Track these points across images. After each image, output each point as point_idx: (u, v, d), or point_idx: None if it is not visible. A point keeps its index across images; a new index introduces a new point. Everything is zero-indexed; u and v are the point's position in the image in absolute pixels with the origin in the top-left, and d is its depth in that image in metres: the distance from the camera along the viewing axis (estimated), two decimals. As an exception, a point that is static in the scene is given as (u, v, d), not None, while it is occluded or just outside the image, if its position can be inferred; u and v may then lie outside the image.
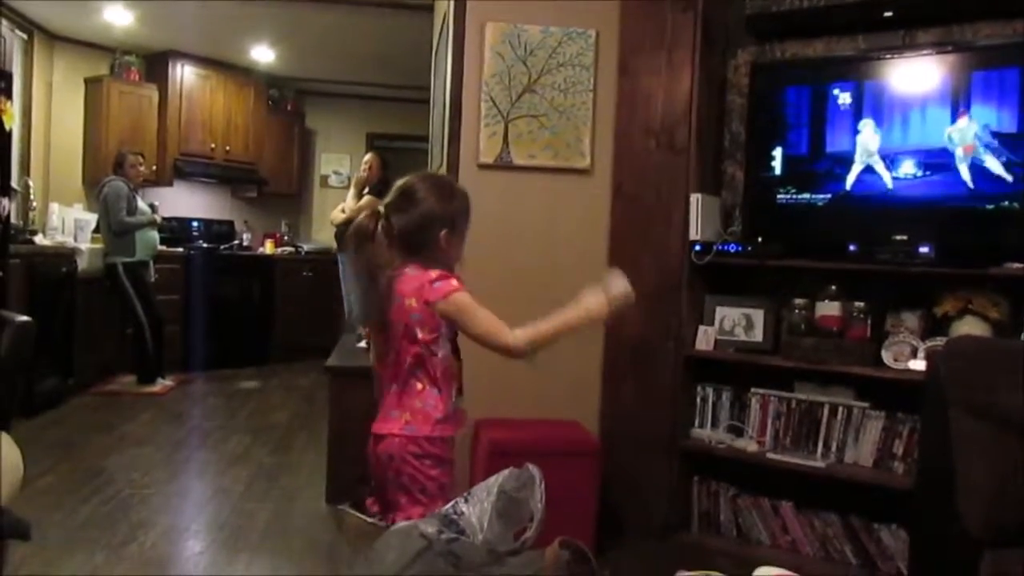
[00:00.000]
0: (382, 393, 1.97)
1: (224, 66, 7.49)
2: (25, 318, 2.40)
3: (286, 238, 8.19)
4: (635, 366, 3.25)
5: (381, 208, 1.94)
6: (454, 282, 1.86)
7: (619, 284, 1.88)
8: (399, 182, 1.99)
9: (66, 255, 5.60)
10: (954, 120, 2.74)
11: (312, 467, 4.07)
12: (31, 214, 6.08)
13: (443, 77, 3.82)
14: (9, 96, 4.58)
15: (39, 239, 5.71)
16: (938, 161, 2.78)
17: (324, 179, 8.66)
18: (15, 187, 5.34)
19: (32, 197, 6.11)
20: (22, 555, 2.69)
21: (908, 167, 2.84)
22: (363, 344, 3.98)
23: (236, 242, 7.79)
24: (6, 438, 2.22)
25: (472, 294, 1.88)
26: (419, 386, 1.90)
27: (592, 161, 3.32)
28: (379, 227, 1.91)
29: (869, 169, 2.91)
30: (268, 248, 7.78)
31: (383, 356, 1.98)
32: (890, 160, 2.87)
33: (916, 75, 2.86)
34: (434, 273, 1.86)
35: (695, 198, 3.10)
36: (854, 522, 2.89)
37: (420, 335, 1.86)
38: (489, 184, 3.27)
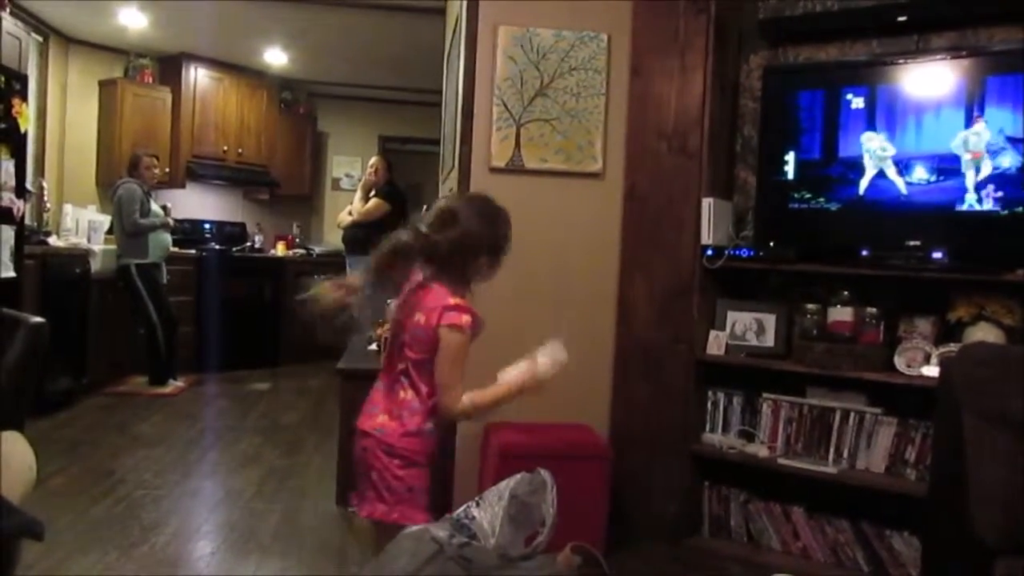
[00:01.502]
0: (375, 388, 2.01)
1: (237, 69, 7.53)
2: (39, 319, 2.41)
3: (297, 240, 8.22)
4: (646, 370, 3.24)
5: (423, 228, 1.91)
6: (465, 319, 1.85)
7: (551, 352, 1.92)
8: (441, 203, 1.98)
9: (80, 256, 5.64)
10: (968, 125, 2.73)
11: (322, 468, 4.08)
12: (45, 215, 6.13)
13: (455, 80, 3.83)
14: (24, 98, 4.61)
15: (53, 240, 5.75)
16: (952, 166, 2.77)
17: (336, 181, 8.68)
18: (30, 188, 5.36)
19: (46, 198, 6.15)
20: (34, 555, 2.70)
21: (921, 172, 2.83)
22: (374, 346, 3.99)
23: (248, 244, 7.82)
24: (20, 438, 2.23)
25: (467, 340, 1.88)
26: (402, 393, 1.92)
27: (604, 165, 3.31)
28: (417, 245, 1.89)
29: (882, 174, 2.90)
30: (280, 250, 7.80)
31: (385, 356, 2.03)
32: (903, 165, 2.86)
33: (930, 80, 2.84)
34: (453, 300, 1.86)
35: (707, 202, 3.09)
36: (866, 528, 2.88)
37: (413, 350, 1.89)
38: (501, 188, 3.24)
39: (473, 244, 1.90)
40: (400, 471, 1.87)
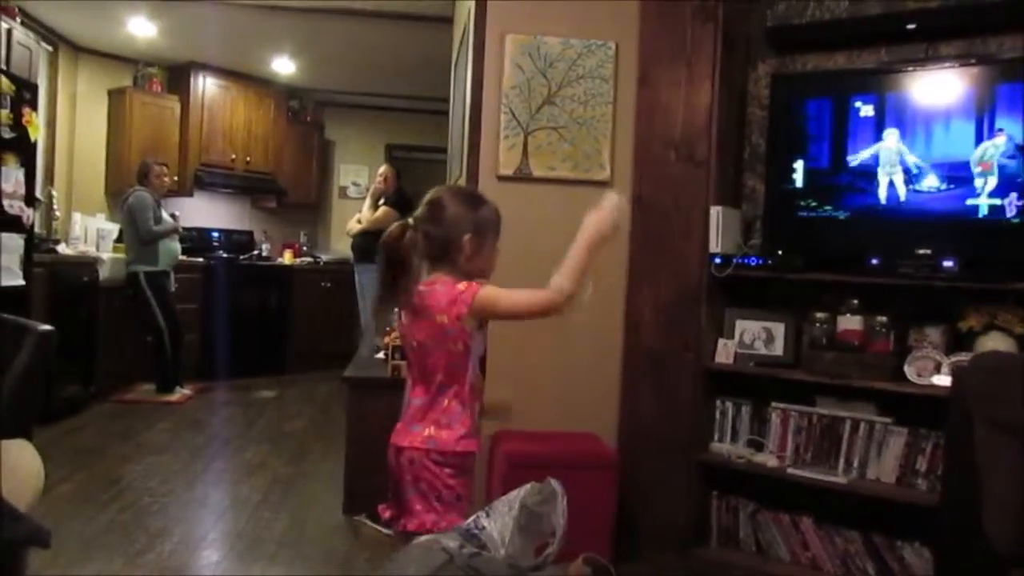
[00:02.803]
0: (407, 399, 1.98)
1: (245, 77, 7.56)
2: (47, 327, 2.42)
3: (305, 248, 8.23)
4: (654, 379, 3.23)
5: (411, 221, 1.94)
6: (474, 284, 1.88)
7: (611, 197, 1.93)
8: (428, 196, 2.00)
9: (88, 264, 5.66)
10: (979, 137, 2.71)
11: (329, 477, 4.07)
12: (54, 223, 6.16)
13: (463, 89, 3.84)
14: (34, 107, 4.64)
15: (62, 248, 5.76)
16: (962, 175, 2.75)
17: (343, 190, 8.70)
18: (39, 197, 5.39)
19: (55, 207, 6.18)
20: (41, 562, 2.70)
21: (931, 180, 2.81)
22: (380, 355, 3.99)
23: (255, 252, 7.83)
24: (27, 445, 2.24)
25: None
26: (446, 402, 1.90)
27: (612, 173, 3.31)
28: (410, 240, 1.91)
29: (891, 182, 2.88)
30: (287, 258, 7.81)
31: (409, 368, 2.00)
32: (913, 173, 2.85)
33: (939, 88, 2.83)
34: (462, 285, 1.87)
35: (715, 210, 3.08)
36: (876, 539, 2.85)
37: (452, 349, 1.87)
38: (508, 196, 3.25)
39: (455, 223, 1.93)
40: (451, 480, 1.87)
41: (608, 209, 1.89)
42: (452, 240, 1.92)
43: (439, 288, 1.89)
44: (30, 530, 1.94)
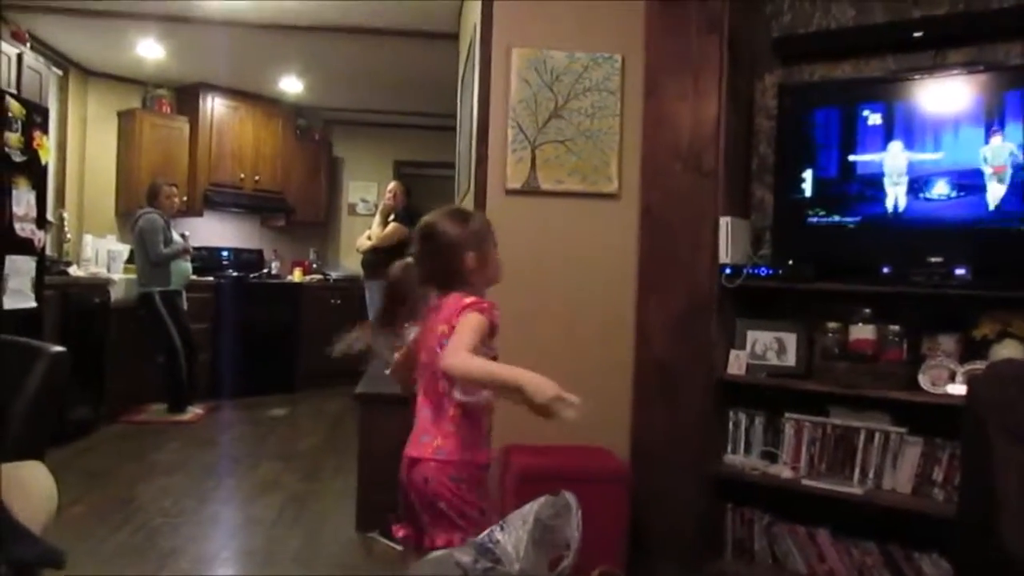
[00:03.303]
0: (416, 413, 1.99)
1: (253, 97, 7.61)
2: (60, 348, 2.43)
3: (314, 266, 8.25)
4: (665, 391, 3.21)
5: (410, 260, 2.00)
6: (483, 305, 1.88)
7: (569, 402, 1.67)
8: (417, 226, 2.05)
9: (99, 286, 5.69)
10: (988, 140, 2.71)
11: (341, 494, 4.06)
12: (65, 245, 6.19)
13: (469, 103, 3.85)
14: (45, 131, 4.68)
15: (73, 270, 5.80)
16: (972, 182, 2.74)
17: (351, 207, 8.73)
18: (50, 219, 5.43)
19: (66, 229, 6.22)
20: (55, 584, 2.70)
21: (941, 188, 2.80)
22: (388, 371, 3.98)
23: (265, 270, 7.86)
24: (40, 467, 2.24)
25: (491, 326, 1.88)
26: (451, 411, 1.91)
27: (620, 185, 3.31)
28: (414, 277, 1.98)
29: (901, 190, 2.87)
30: (296, 276, 7.83)
31: (417, 381, 2.01)
32: (923, 181, 2.84)
33: (947, 95, 2.83)
34: (469, 299, 1.89)
35: (724, 221, 3.08)
36: (893, 550, 2.82)
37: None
38: (517, 209, 3.27)
39: (454, 245, 1.96)
40: (469, 495, 1.87)
41: (546, 388, 1.64)
42: (455, 263, 1.95)
43: (450, 300, 1.92)
44: (44, 551, 1.94)
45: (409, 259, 2.02)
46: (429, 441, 1.90)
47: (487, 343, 1.89)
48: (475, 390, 1.87)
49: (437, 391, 1.92)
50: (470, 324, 1.83)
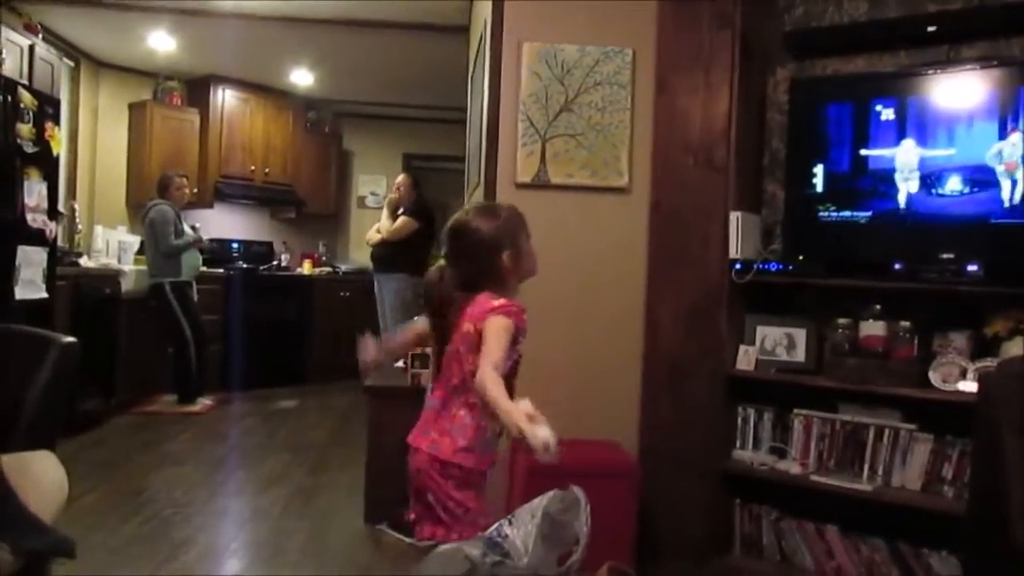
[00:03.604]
0: (425, 405, 2.00)
1: (263, 89, 7.62)
2: (70, 339, 2.44)
3: (324, 258, 8.27)
4: (674, 386, 3.21)
5: (443, 260, 1.98)
6: (511, 309, 1.86)
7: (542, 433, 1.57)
8: (449, 224, 2.01)
9: (110, 277, 5.71)
10: (1003, 136, 2.69)
11: (350, 486, 4.08)
12: (76, 237, 6.22)
13: (480, 97, 3.84)
14: (57, 122, 4.69)
15: (84, 261, 5.82)
16: (986, 178, 2.72)
17: (361, 200, 8.74)
18: (61, 210, 5.45)
19: (78, 220, 6.25)
20: (65, 573, 2.71)
21: (955, 183, 2.79)
22: (400, 364, 3.99)
23: (275, 263, 7.88)
24: (51, 457, 2.25)
25: (517, 330, 1.86)
26: (455, 410, 1.91)
27: (630, 180, 3.30)
28: (449, 278, 1.95)
29: (913, 186, 2.86)
30: (306, 268, 7.85)
31: (435, 372, 2.03)
32: (935, 176, 2.82)
33: (961, 90, 2.80)
34: (496, 303, 1.86)
35: (735, 216, 3.07)
36: (902, 548, 2.82)
37: (468, 361, 1.87)
38: (526, 203, 3.21)
39: (489, 245, 1.93)
40: (456, 492, 1.86)
41: (536, 441, 1.55)
42: (490, 263, 1.93)
43: (480, 299, 1.90)
44: (55, 541, 1.95)
45: (442, 262, 1.99)
46: (428, 435, 1.92)
47: (513, 347, 1.88)
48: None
49: (448, 388, 1.92)
50: (497, 330, 1.81)
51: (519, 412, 1.57)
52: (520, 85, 3.26)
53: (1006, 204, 2.69)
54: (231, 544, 3.37)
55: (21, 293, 4.25)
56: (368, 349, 2.12)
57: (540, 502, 1.46)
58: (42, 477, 2.12)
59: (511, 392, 1.87)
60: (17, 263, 4.24)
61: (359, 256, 8.14)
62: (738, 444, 3.18)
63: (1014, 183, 2.67)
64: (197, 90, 7.36)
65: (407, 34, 5.68)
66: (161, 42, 6.16)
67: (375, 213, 7.61)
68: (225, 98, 7.37)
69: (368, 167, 8.75)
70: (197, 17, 5.58)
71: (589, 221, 3.31)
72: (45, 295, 4.52)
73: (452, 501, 1.86)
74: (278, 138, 7.80)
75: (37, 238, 4.43)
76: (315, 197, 8.19)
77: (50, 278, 4.58)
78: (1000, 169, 2.69)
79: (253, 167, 7.53)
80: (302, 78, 7.27)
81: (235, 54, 6.52)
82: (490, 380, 1.68)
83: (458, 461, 1.87)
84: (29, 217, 4.35)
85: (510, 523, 1.43)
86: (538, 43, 3.26)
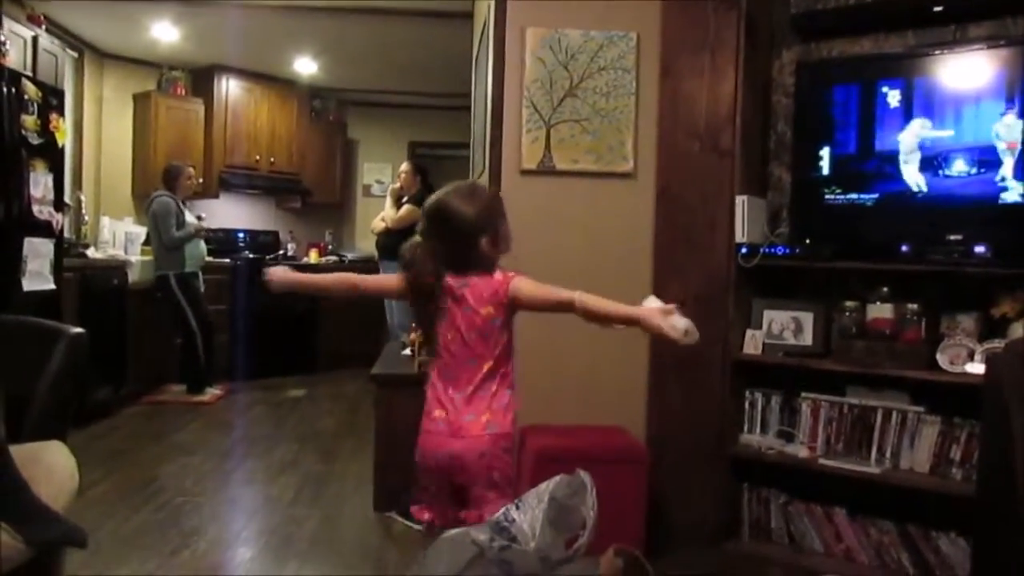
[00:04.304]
0: (440, 400, 2.00)
1: (267, 79, 7.61)
2: (79, 330, 2.45)
3: (330, 247, 8.28)
4: (681, 371, 3.20)
5: (418, 237, 2.02)
6: (510, 274, 1.98)
7: (681, 322, 1.85)
8: (425, 206, 2.05)
9: (117, 268, 5.73)
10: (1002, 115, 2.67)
11: (359, 474, 4.09)
12: (83, 228, 6.23)
13: (484, 84, 3.83)
14: (62, 113, 4.69)
15: (91, 252, 5.84)
16: (992, 158, 2.71)
17: (367, 188, 8.74)
18: (68, 202, 5.46)
19: (84, 211, 6.26)
20: (78, 562, 2.74)
21: (961, 164, 2.77)
22: (408, 352, 4.00)
23: (281, 252, 7.90)
24: (62, 447, 2.27)
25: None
26: (494, 388, 1.96)
27: (635, 165, 3.29)
28: (421, 253, 2.00)
29: (920, 167, 2.84)
30: (312, 257, 7.86)
31: (438, 365, 2.05)
32: (943, 158, 2.80)
33: (968, 71, 2.78)
34: (499, 275, 1.97)
35: (741, 200, 3.05)
36: (911, 530, 2.82)
37: (500, 339, 1.96)
38: (532, 190, 3.26)
39: (472, 228, 1.97)
40: (511, 462, 1.98)
41: (678, 331, 1.84)
42: (470, 247, 1.97)
43: (476, 281, 1.94)
44: (67, 531, 1.97)
45: (417, 238, 2.02)
46: (475, 420, 1.94)
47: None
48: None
49: (477, 373, 1.96)
50: (533, 282, 1.96)
51: (650, 311, 1.81)
52: (524, 71, 3.25)
53: (1012, 184, 2.67)
54: (241, 533, 3.39)
55: (29, 285, 4.27)
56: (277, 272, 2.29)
57: (547, 487, 1.46)
58: (53, 467, 2.14)
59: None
60: (24, 255, 4.25)
61: (365, 244, 8.15)
62: (746, 428, 3.18)
63: (1018, 162, 2.64)
64: (201, 80, 7.36)
65: (410, 21, 5.66)
66: (164, 32, 6.15)
67: (381, 201, 7.60)
68: (229, 88, 7.36)
69: (373, 155, 8.75)
70: (200, 6, 5.57)
71: (595, 207, 3.30)
72: (53, 287, 4.53)
73: (512, 471, 1.98)
74: (283, 127, 7.80)
75: (44, 230, 4.44)
76: (320, 186, 8.19)
77: (57, 270, 4.59)
78: (1002, 147, 2.67)
79: (258, 156, 7.54)
80: (306, 67, 7.26)
81: (239, 43, 6.51)
82: (590, 299, 1.86)
83: (515, 429, 1.99)
84: (35, 209, 4.36)
85: (517, 508, 1.43)
86: (542, 28, 3.24)
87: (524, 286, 1.95)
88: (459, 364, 1.97)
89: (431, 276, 1.97)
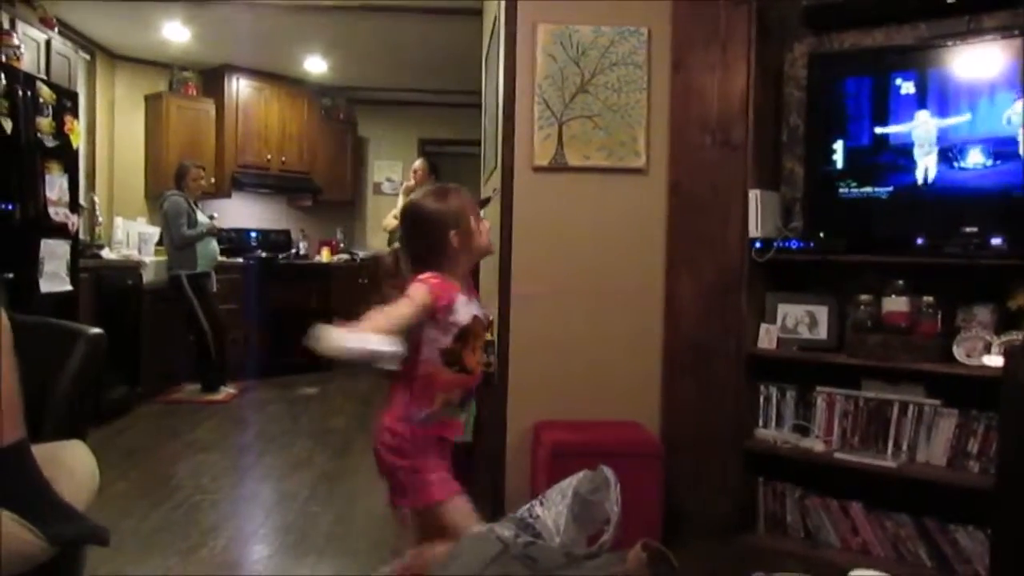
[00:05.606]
0: None
1: (277, 78, 7.63)
2: (97, 330, 2.46)
3: (342, 245, 8.30)
4: (696, 366, 3.21)
5: (398, 243, 2.12)
6: (432, 280, 1.96)
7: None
8: (402, 210, 2.16)
9: (131, 268, 5.76)
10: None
11: (373, 470, 4.06)
12: (97, 229, 6.26)
13: (495, 80, 3.83)
14: (76, 115, 4.72)
15: (105, 253, 5.88)
16: (1008, 149, 2.69)
17: (377, 186, 8.76)
18: (82, 203, 5.49)
19: (98, 212, 6.29)
20: (99, 559, 2.76)
21: (976, 156, 2.76)
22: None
23: (293, 251, 7.92)
24: (82, 446, 2.28)
25: (435, 300, 1.95)
26: (395, 383, 2.06)
27: (647, 160, 3.29)
28: (400, 261, 2.08)
29: (935, 159, 2.83)
30: (324, 256, 7.89)
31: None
32: (957, 149, 2.79)
33: (982, 61, 2.77)
34: (422, 276, 1.99)
35: (753, 194, 3.05)
36: (928, 523, 2.81)
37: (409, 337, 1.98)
38: (544, 186, 3.27)
39: (437, 224, 2.03)
40: (401, 461, 2.01)
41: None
42: (439, 242, 2.02)
43: (418, 277, 2.01)
44: (89, 529, 1.98)
45: (398, 244, 2.13)
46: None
47: (437, 319, 1.96)
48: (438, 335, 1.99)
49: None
50: (405, 295, 1.93)
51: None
52: (535, 67, 3.25)
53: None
54: (259, 529, 3.41)
55: (46, 286, 4.30)
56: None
57: (570, 482, 1.47)
58: (74, 466, 2.15)
59: (467, 362, 2.01)
60: (41, 256, 4.28)
61: (376, 242, 8.16)
62: (761, 423, 3.18)
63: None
64: (212, 80, 7.39)
65: (420, 18, 5.67)
66: (175, 33, 6.18)
67: (391, 199, 7.63)
68: (240, 87, 7.39)
69: (384, 153, 8.76)
70: (210, 7, 5.58)
71: (607, 203, 3.30)
72: (70, 287, 4.56)
73: (399, 471, 2.04)
74: (293, 126, 7.82)
75: (60, 231, 4.47)
76: (331, 184, 8.21)
77: (73, 271, 4.62)
78: (1020, 134, 2.65)
79: (269, 156, 7.56)
80: (316, 65, 7.28)
81: (248, 43, 6.53)
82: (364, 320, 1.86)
83: (393, 430, 2.02)
84: (52, 211, 4.39)
85: (541, 504, 1.44)
86: (552, 24, 3.24)
87: (411, 292, 1.96)
88: None
89: (396, 279, 2.06)
